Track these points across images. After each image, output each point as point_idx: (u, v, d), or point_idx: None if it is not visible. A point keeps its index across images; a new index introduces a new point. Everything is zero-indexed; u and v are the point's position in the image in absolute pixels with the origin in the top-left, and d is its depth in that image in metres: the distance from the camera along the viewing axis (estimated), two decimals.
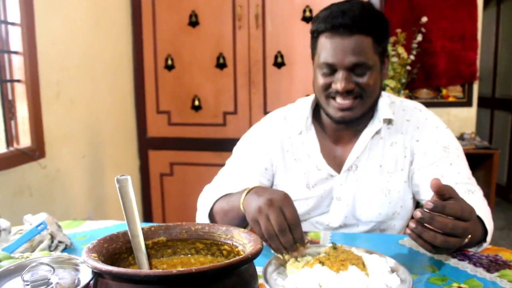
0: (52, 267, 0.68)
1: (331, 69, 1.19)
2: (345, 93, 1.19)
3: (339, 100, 1.21)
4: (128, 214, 0.79)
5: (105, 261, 0.73)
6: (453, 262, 1.02)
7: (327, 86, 1.21)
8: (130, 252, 0.80)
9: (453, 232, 0.85)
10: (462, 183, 1.19)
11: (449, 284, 0.91)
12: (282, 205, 0.94)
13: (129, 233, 0.78)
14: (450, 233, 0.86)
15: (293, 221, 0.93)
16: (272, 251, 0.97)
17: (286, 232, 0.92)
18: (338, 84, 1.17)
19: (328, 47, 1.17)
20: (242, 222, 1.15)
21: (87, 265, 0.65)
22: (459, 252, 1.07)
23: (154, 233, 0.85)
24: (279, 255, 0.96)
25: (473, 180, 1.23)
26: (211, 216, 1.24)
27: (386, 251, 1.03)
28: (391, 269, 0.93)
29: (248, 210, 1.01)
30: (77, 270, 0.72)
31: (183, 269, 0.60)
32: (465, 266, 0.99)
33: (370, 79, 1.19)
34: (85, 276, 0.69)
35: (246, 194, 1.06)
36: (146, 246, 0.82)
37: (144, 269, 0.78)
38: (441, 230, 0.85)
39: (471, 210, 0.90)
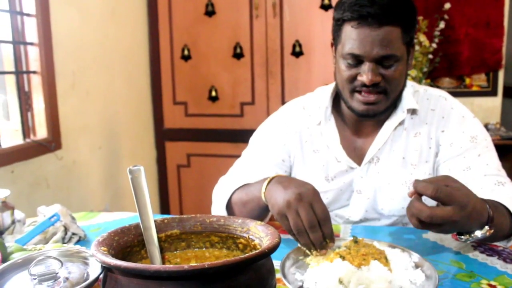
0: (60, 261, 0.65)
1: (357, 61, 1.13)
2: (371, 86, 1.13)
3: (364, 94, 1.15)
4: (140, 206, 0.76)
5: (116, 255, 0.70)
6: (481, 257, 0.97)
7: (353, 79, 1.15)
8: (142, 245, 0.78)
9: (430, 221, 0.85)
10: (491, 174, 1.14)
11: (478, 281, 0.86)
12: (312, 200, 0.92)
13: (141, 225, 0.76)
14: (427, 221, 0.85)
15: (323, 217, 0.91)
16: (299, 245, 0.95)
17: (316, 228, 0.91)
18: (365, 76, 1.12)
19: (354, 37, 1.11)
20: (262, 213, 1.14)
21: (96, 259, 0.63)
22: (487, 247, 1.02)
23: (167, 226, 0.83)
24: (307, 251, 0.94)
25: (503, 172, 1.17)
26: (229, 207, 1.21)
27: (410, 245, 0.98)
28: (415, 264, 0.90)
29: (273, 202, 0.99)
30: (86, 263, 0.69)
31: (195, 264, 0.57)
32: (495, 262, 0.94)
33: (396, 71, 1.13)
34: (95, 270, 0.67)
35: (268, 184, 1.04)
36: (159, 239, 0.80)
37: (156, 262, 0.75)
38: (417, 216, 0.86)
39: (466, 197, 0.87)
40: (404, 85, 1.22)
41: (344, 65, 1.16)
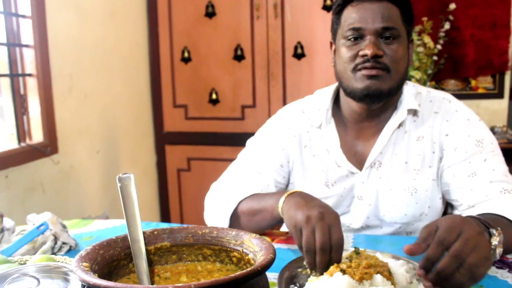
0: (37, 279, 0.61)
1: (358, 35, 1.12)
2: (373, 61, 1.10)
3: (366, 69, 1.11)
4: (129, 216, 0.73)
5: (100, 270, 0.66)
6: (490, 270, 0.92)
7: (354, 57, 1.13)
8: (130, 259, 0.74)
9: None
10: (497, 181, 1.09)
11: None
12: (332, 223, 0.90)
13: (129, 237, 0.72)
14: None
15: (337, 244, 0.88)
16: (304, 263, 0.92)
17: (326, 252, 0.88)
18: (366, 49, 1.10)
19: (354, 14, 1.13)
20: (271, 224, 1.12)
21: (76, 277, 0.58)
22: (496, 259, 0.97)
23: (157, 238, 0.79)
24: (307, 268, 0.91)
25: (510, 178, 1.12)
26: (233, 217, 1.18)
27: (414, 256, 0.93)
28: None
29: (291, 214, 0.96)
30: (66, 280, 0.65)
31: (180, 284, 0.52)
32: (505, 275, 0.89)
33: (398, 51, 1.12)
34: (75, 287, 0.62)
35: (287, 196, 1.02)
36: (148, 252, 0.76)
37: (144, 277, 0.71)
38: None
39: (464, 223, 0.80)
40: (405, 75, 1.18)
41: (345, 47, 1.14)
